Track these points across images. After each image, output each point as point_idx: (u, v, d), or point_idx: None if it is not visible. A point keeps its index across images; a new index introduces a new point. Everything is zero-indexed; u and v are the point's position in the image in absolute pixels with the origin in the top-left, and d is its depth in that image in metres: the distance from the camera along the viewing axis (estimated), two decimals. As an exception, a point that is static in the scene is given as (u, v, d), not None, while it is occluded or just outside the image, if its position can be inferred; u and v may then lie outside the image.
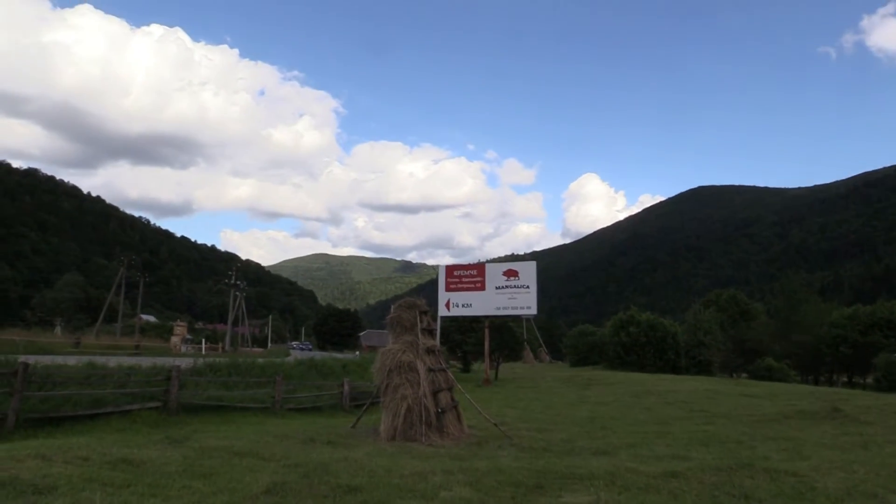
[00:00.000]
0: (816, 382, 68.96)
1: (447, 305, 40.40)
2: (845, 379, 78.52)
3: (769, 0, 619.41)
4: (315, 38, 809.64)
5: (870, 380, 68.59)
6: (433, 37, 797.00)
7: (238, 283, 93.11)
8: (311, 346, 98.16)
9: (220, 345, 77.94)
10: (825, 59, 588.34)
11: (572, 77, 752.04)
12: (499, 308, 39.49)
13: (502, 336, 46.12)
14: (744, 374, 66.94)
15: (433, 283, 44.68)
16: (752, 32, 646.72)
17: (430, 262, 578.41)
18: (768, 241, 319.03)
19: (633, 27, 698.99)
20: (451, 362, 51.51)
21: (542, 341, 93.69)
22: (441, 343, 38.16)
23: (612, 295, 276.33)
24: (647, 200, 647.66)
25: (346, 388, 23.39)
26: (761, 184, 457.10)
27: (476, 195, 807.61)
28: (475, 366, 53.66)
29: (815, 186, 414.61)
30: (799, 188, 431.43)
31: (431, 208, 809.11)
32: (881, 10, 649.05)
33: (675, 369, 58.59)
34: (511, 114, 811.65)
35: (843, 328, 74.30)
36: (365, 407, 15.44)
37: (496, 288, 39.40)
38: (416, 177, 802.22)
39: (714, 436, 14.10)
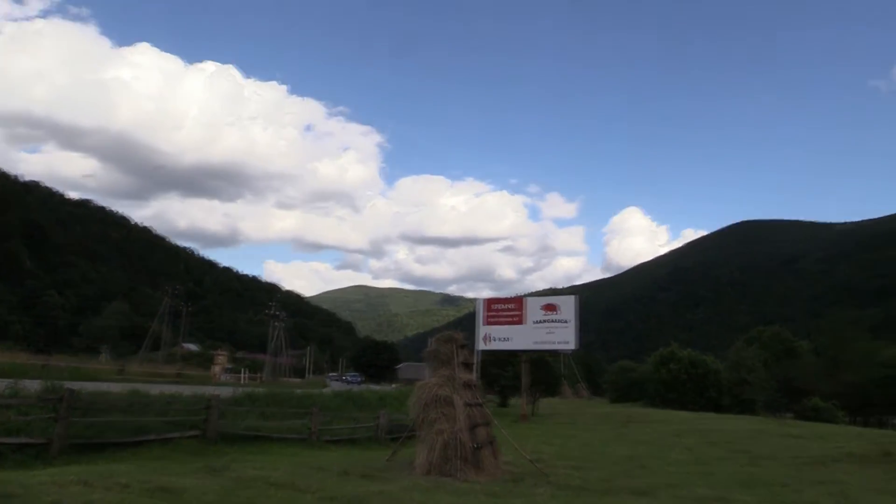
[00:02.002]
0: (866, 424, 66.62)
1: (485, 339, 40.25)
2: (896, 421, 75.89)
3: (819, 33, 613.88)
4: (361, 75, 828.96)
5: (922, 422, 66.28)
6: (476, 73, 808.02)
7: (278, 313, 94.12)
8: (360, 379, 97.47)
9: (259, 375, 78.58)
10: (875, 92, 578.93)
11: (616, 111, 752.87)
12: (537, 342, 39.20)
13: (540, 371, 45.72)
14: (789, 414, 65.15)
15: (472, 316, 44.50)
16: (800, 64, 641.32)
17: (469, 294, 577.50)
18: (814, 278, 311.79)
19: (677, 62, 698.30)
20: (488, 397, 51.15)
21: (580, 377, 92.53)
22: (478, 377, 38.00)
23: (653, 331, 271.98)
24: (690, 235, 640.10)
25: (383, 420, 23.37)
26: (807, 218, 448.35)
27: (517, 229, 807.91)
28: (512, 401, 53.19)
29: (863, 221, 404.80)
30: (846, 223, 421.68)
31: (472, 241, 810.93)
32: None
33: (717, 408, 57.36)
34: (554, 147, 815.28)
35: (894, 368, 72.03)
36: (401, 440, 15.43)
37: (535, 322, 39.15)
38: (458, 210, 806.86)
39: (758, 478, 13.77)
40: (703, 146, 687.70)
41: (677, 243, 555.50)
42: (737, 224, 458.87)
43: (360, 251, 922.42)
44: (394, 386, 73.17)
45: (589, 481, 12.44)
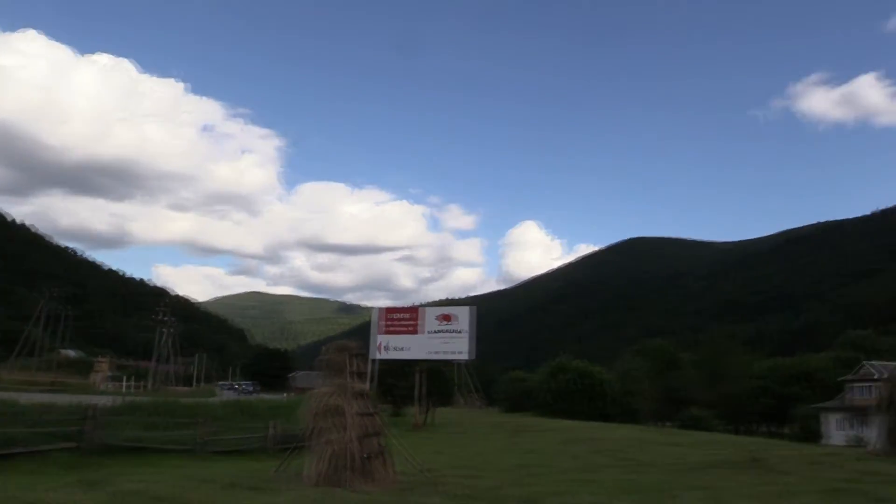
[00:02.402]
0: (738, 432, 70.64)
1: (380, 348, 40.16)
2: (765, 429, 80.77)
3: (705, 65, 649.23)
4: (264, 77, 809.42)
5: (788, 430, 70.81)
6: (381, 80, 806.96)
7: (167, 319, 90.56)
8: (252, 387, 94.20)
9: (144, 383, 75.32)
10: (754, 121, 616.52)
11: (517, 126, 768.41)
12: (432, 352, 39.44)
13: (435, 380, 45.93)
14: (671, 423, 68.17)
15: (369, 325, 44.28)
16: (688, 93, 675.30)
17: (367, 303, 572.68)
18: (697, 293, 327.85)
19: (577, 82, 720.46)
20: (382, 406, 50.88)
21: (475, 386, 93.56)
22: (373, 387, 37.75)
23: (546, 342, 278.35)
24: (584, 249, 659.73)
25: (274, 430, 22.87)
26: (691, 237, 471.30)
27: (417, 238, 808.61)
28: (407, 410, 53.21)
29: (743, 241, 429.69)
30: (727, 242, 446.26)
31: (372, 250, 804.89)
32: (806, 80, 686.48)
33: (604, 417, 59.27)
34: (456, 160, 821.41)
35: (764, 380, 76.80)
36: (290, 451, 15.13)
37: (431, 332, 39.38)
38: (358, 218, 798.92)
39: (640, 484, 14.31)
40: (598, 164, 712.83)
41: (571, 257, 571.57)
42: (627, 240, 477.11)
43: (255, 257, 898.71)
44: (286, 395, 71.73)
45: (479, 490, 12.59)
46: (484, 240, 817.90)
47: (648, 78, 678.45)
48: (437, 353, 39.45)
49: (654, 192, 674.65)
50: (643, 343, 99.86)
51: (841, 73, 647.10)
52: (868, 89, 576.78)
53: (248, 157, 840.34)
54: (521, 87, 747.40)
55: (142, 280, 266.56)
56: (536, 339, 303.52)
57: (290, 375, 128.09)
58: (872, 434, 23.62)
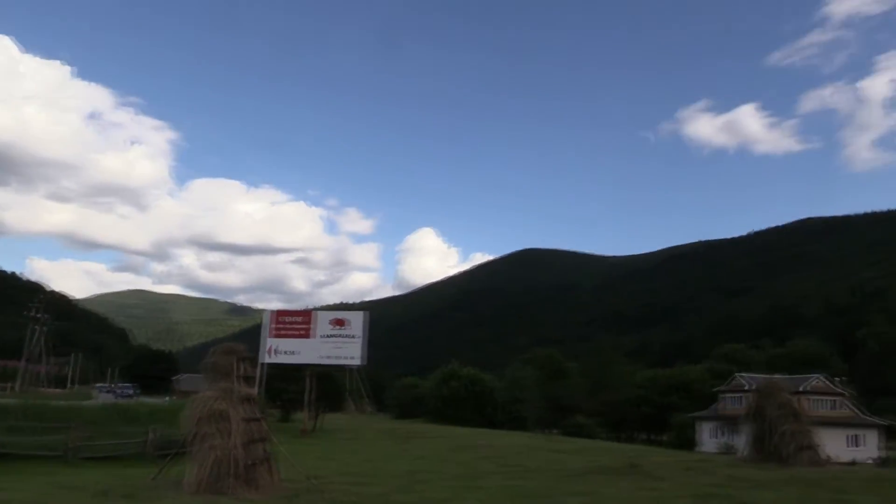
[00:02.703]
0: (619, 440, 73.34)
1: (270, 352, 39.29)
2: (645, 436, 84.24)
3: (601, 86, 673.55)
4: (158, 66, 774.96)
5: (665, 438, 74.09)
6: (282, 79, 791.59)
7: (40, 315, 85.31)
8: (132, 390, 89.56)
9: (11, 384, 70.63)
10: (645, 142, 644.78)
11: (418, 133, 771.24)
12: (324, 356, 38.94)
13: (325, 386, 45.30)
14: (556, 430, 69.97)
15: (260, 327, 43.24)
16: (583, 111, 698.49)
17: (258, 305, 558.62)
18: (586, 304, 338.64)
19: (479, 95, 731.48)
20: (271, 411, 49.78)
21: (366, 392, 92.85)
22: (261, 391, 36.86)
23: (439, 349, 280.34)
24: (479, 258, 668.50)
25: (153, 435, 21.94)
26: (584, 250, 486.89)
27: (313, 241, 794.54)
28: (296, 415, 52.20)
29: (630, 256, 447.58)
30: (616, 256, 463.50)
31: (266, 251, 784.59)
32: (693, 106, 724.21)
33: (492, 424, 60.10)
34: (357, 164, 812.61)
35: (645, 389, 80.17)
36: (170, 457, 14.54)
37: (323, 336, 38.88)
38: (253, 217, 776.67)
39: (524, 490, 14.60)
40: (496, 176, 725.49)
41: (467, 265, 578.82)
42: (521, 251, 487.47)
43: (141, 253, 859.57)
44: (168, 399, 68.92)
45: (365, 497, 12.50)
46: (381, 245, 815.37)
47: (546, 94, 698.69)
48: (329, 357, 38.97)
49: (548, 204, 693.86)
50: (533, 352, 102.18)
51: (725, 102, 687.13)
52: (748, 118, 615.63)
53: (138, 149, 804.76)
54: (423, 96, 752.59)
55: (14, 273, 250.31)
56: (430, 346, 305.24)
57: (174, 378, 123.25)
58: (741, 442, 25.03)
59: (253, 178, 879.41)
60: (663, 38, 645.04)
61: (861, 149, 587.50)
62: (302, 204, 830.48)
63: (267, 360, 39.05)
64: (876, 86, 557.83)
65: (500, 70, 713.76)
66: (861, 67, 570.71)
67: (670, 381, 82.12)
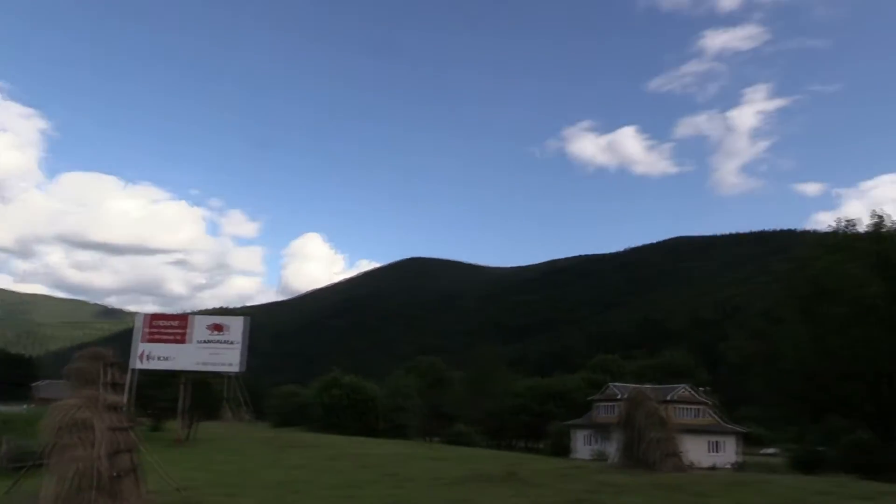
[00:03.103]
0: (499, 447, 74.72)
1: (143, 357, 37.48)
2: (523, 444, 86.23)
3: (490, 100, 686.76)
4: (31, 50, 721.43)
5: (543, 445, 76.17)
6: (166, 69, 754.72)
7: None
8: None
9: None
10: (531, 157, 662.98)
11: (307, 136, 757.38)
12: (201, 363, 37.55)
13: (201, 393, 43.68)
14: (437, 439, 70.46)
15: (132, 331, 41.15)
16: (473, 123, 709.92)
17: (132, 308, 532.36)
18: (470, 314, 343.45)
19: (370, 100, 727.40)
20: (141, 420, 47.48)
21: (244, 400, 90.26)
22: (132, 398, 35.08)
23: (322, 357, 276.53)
24: (366, 265, 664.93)
25: (6, 446, 20.43)
26: (469, 260, 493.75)
27: (194, 243, 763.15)
28: (168, 424, 50.03)
29: (514, 268, 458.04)
30: (500, 268, 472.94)
31: (142, 251, 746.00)
32: (578, 125, 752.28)
33: (373, 432, 59.85)
34: (243, 164, 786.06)
35: (524, 398, 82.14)
36: (26, 469, 13.58)
37: (200, 342, 37.49)
38: (130, 216, 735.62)
39: (401, 499, 14.60)
40: (384, 183, 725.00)
41: (353, 272, 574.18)
42: (408, 259, 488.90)
43: (2, 249, 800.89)
44: (26, 406, 64.51)
45: (238, 509, 12.13)
46: (266, 249, 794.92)
47: (437, 104, 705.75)
48: (205, 364, 37.60)
49: (436, 214, 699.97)
50: (416, 360, 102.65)
51: (607, 123, 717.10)
52: (629, 140, 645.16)
53: (4, 137, 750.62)
54: (316, 99, 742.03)
55: None
56: (312, 354, 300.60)
57: (34, 385, 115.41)
58: (613, 449, 26.04)
59: (131, 174, 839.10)
60: (551, 58, 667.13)
61: (728, 174, 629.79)
62: (183, 203, 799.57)
63: (138, 366, 37.24)
64: (743, 116, 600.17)
65: (395, 76, 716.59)
66: (731, 98, 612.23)
67: (548, 390, 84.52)
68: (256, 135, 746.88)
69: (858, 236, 46.22)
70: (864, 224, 46.29)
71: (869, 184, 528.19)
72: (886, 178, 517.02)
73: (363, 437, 50.50)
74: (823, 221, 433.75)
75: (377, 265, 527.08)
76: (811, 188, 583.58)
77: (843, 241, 46.54)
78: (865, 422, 47.33)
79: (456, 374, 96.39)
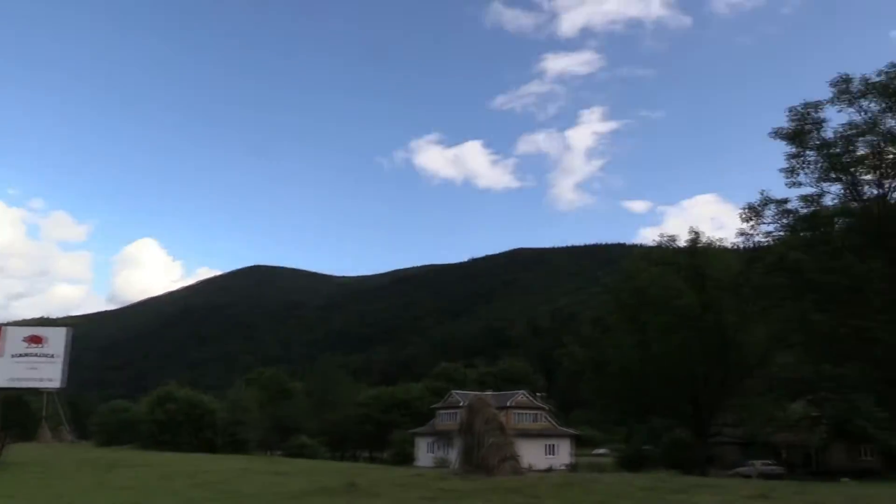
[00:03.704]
0: (342, 458, 74.06)
1: (-56, 374, 33.86)
2: (367, 454, 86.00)
3: (339, 106, 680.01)
4: None
5: (386, 455, 76.33)
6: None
7: None
8: None
9: None
10: (379, 168, 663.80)
11: (146, 135, 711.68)
12: (15, 379, 34.55)
13: (14, 411, 40.13)
14: (279, 452, 68.72)
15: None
16: (318, 132, 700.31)
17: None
18: (314, 324, 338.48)
19: (215, 101, 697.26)
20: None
21: (66, 418, 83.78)
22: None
23: (156, 369, 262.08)
24: (206, 273, 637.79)
25: None
26: (312, 269, 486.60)
27: (10, 247, 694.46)
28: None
29: (358, 276, 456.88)
30: (345, 276, 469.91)
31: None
32: (426, 137, 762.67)
33: (211, 448, 57.47)
34: (71, 163, 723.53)
35: (368, 407, 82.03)
36: None
37: (15, 355, 34.47)
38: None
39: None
40: (227, 187, 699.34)
41: (191, 280, 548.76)
42: (249, 267, 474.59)
43: None
44: None
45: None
46: (94, 254, 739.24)
47: (284, 110, 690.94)
48: (21, 379, 34.63)
49: (279, 221, 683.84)
50: (257, 371, 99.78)
51: (454, 137, 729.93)
52: (474, 154, 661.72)
53: None
54: (154, 98, 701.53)
55: None
56: (146, 366, 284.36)
57: None
58: (454, 456, 26.55)
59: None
60: (400, 71, 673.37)
61: (565, 190, 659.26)
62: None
63: (-61, 383, 33.59)
64: (579, 136, 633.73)
65: (239, 76, 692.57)
66: (568, 119, 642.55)
67: (392, 399, 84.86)
68: (86, 130, 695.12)
69: (678, 251, 50.39)
70: (682, 240, 50.56)
71: (688, 202, 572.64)
72: (703, 198, 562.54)
73: (200, 454, 48.34)
74: (649, 237, 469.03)
75: (217, 273, 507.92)
76: (638, 205, 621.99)
77: (664, 255, 50.57)
78: (684, 421, 51.36)
79: (299, 385, 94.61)
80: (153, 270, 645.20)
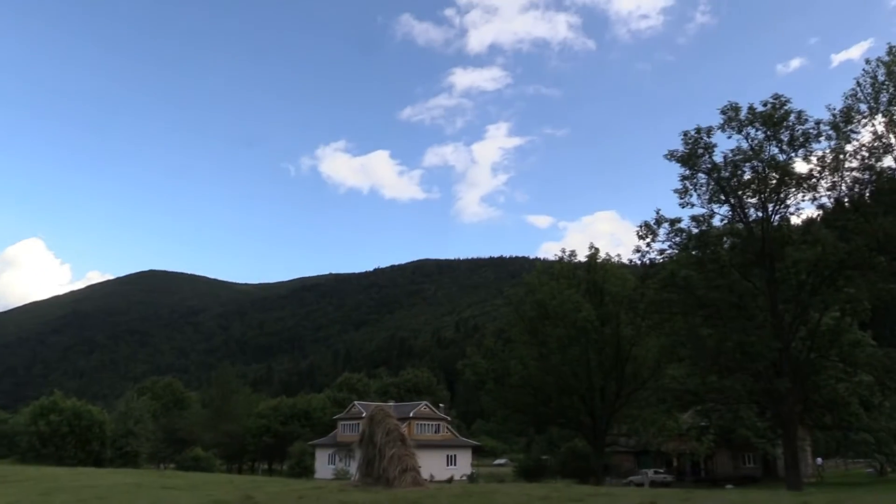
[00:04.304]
0: (240, 471, 72.11)
1: None
2: (266, 466, 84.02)
3: (245, 113, 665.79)
4: None
5: (286, 467, 74.84)
6: None
7: None
8: None
9: None
10: (285, 173, 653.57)
11: (33, 127, 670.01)
12: None
13: None
14: (172, 465, 66.25)
15: None
16: (223, 133, 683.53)
17: None
18: (212, 332, 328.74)
19: (117, 94, 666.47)
20: None
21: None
22: None
23: (39, 377, 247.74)
24: (96, 277, 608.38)
25: None
26: (211, 275, 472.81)
27: None
28: None
29: (261, 284, 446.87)
30: (246, 284, 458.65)
31: None
32: (333, 145, 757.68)
33: (98, 462, 54.80)
34: None
35: (267, 418, 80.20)
36: None
37: None
38: None
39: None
40: (123, 187, 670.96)
41: (80, 284, 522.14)
42: (143, 272, 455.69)
43: None
44: None
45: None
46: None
47: (187, 108, 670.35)
48: None
49: (176, 225, 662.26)
50: (150, 381, 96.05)
51: (361, 145, 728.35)
52: (381, 164, 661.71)
53: None
54: (49, 88, 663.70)
55: None
56: (28, 375, 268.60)
57: None
58: (354, 467, 26.35)
59: None
60: (310, 78, 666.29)
61: (470, 203, 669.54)
62: None
63: None
64: (485, 150, 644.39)
65: (142, 73, 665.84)
66: (475, 133, 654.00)
67: (293, 410, 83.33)
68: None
69: (577, 265, 51.99)
70: (582, 255, 52.20)
71: (589, 218, 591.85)
72: (602, 215, 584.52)
73: (86, 468, 46.02)
74: (551, 251, 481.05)
75: (109, 277, 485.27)
76: (541, 220, 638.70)
77: (564, 269, 52.01)
78: (581, 431, 52.76)
79: (195, 395, 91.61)
80: (38, 272, 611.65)
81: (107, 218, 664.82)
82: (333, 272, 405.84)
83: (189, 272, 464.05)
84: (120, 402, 69.59)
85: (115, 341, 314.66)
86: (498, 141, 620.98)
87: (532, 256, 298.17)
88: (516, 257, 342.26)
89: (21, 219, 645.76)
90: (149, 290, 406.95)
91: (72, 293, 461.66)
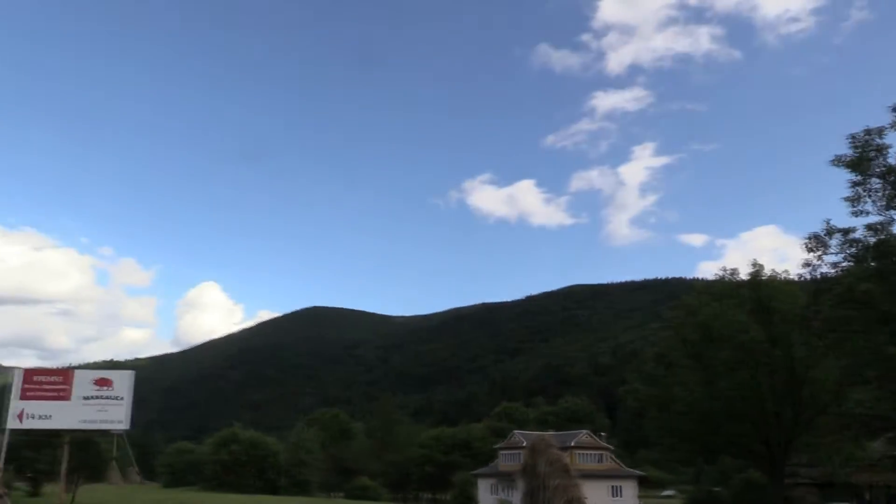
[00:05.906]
0: (404, 500, 73.46)
1: (20, 416, 34.91)
2: (429, 496, 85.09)
3: (391, 155, 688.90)
4: None
5: (448, 496, 75.43)
6: (47, 108, 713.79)
7: None
8: None
9: None
10: (435, 208, 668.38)
11: (205, 182, 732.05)
12: (85, 421, 35.31)
13: (86, 453, 41.13)
14: (341, 494, 68.61)
15: (6, 389, 38.28)
16: (373, 175, 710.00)
17: (9, 362, 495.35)
18: (372, 364, 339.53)
19: (271, 146, 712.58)
20: (17, 485, 44.34)
21: (133, 459, 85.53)
22: (6, 461, 32.58)
23: (219, 411, 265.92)
24: (265, 315, 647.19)
25: None
26: (370, 309, 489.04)
27: (81, 292, 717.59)
28: (48, 488, 46.64)
29: (416, 316, 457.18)
30: (402, 316, 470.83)
31: (22, 301, 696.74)
32: (479, 177, 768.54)
33: (274, 489, 57.86)
34: (135, 210, 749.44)
35: (429, 448, 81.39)
36: None
37: (84, 398, 35.32)
38: (8, 263, 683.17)
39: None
40: (285, 230, 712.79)
41: (251, 322, 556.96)
42: (308, 309, 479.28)
43: None
44: None
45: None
46: (159, 299, 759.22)
47: (341, 152, 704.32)
48: (90, 421, 35.38)
49: (336, 263, 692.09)
50: (318, 412, 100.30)
51: (506, 177, 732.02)
52: (527, 193, 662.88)
53: None
54: (208, 145, 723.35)
55: None
56: (208, 408, 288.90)
57: None
58: (516, 498, 26.03)
59: (10, 219, 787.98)
60: (452, 114, 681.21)
61: (620, 226, 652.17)
62: (71, 251, 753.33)
63: (15, 425, 34.65)
64: (632, 171, 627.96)
65: (297, 126, 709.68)
66: (620, 155, 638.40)
67: (453, 440, 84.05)
68: (151, 182, 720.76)
69: (740, 284, 48.97)
70: (744, 273, 49.19)
71: (748, 235, 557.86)
72: (762, 230, 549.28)
73: (263, 495, 48.76)
74: (709, 270, 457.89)
75: (277, 314, 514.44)
76: (696, 239, 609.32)
77: (726, 288, 49.19)
78: (755, 461, 49.36)
79: (359, 425, 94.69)
80: (215, 313, 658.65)
81: (273, 261, 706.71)
82: (485, 301, 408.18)
83: (348, 307, 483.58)
84: (291, 433, 73.24)
85: (284, 375, 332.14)
86: (644, 161, 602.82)
87: (689, 277, 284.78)
88: (672, 279, 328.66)
89: (198, 265, 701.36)
90: (313, 326, 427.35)
91: (244, 331, 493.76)
